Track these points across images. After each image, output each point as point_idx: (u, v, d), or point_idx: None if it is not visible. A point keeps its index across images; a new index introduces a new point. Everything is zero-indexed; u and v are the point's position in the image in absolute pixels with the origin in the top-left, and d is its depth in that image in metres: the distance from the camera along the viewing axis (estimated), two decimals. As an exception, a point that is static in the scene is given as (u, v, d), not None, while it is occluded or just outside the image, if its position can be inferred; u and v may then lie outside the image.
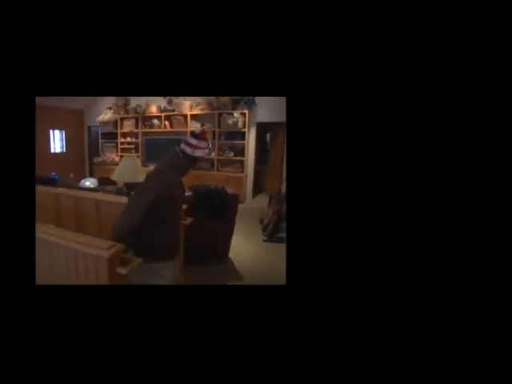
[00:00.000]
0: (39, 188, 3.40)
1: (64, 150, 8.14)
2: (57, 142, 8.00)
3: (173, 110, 6.67)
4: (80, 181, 5.65)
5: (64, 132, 8.08)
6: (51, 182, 3.86)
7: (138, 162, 4.10)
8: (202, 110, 6.42)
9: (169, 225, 1.62)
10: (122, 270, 1.58)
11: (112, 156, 7.51)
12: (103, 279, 1.61)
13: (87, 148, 8.61)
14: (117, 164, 7.26)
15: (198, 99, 6.43)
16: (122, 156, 7.35)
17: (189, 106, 6.47)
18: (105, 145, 7.77)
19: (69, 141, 8.18)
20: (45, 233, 1.85)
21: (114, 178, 3.63)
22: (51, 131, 7.74)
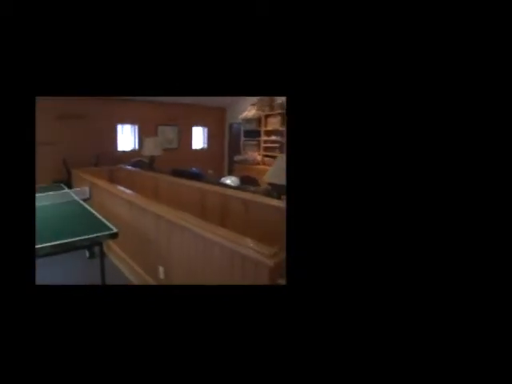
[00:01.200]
0: (186, 182, 3.69)
1: (205, 147, 8.34)
2: (198, 138, 8.24)
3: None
4: (220, 178, 5.53)
5: (206, 129, 8.29)
6: (197, 177, 4.01)
7: (295, 161, 3.33)
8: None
9: None
10: (283, 282, 1.49)
11: (254, 155, 7.14)
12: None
13: (227, 145, 8.62)
14: (259, 164, 6.96)
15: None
16: (265, 156, 6.94)
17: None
18: (246, 143, 7.53)
19: (210, 137, 8.38)
20: (200, 228, 1.87)
21: (267, 178, 3.29)
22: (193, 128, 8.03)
